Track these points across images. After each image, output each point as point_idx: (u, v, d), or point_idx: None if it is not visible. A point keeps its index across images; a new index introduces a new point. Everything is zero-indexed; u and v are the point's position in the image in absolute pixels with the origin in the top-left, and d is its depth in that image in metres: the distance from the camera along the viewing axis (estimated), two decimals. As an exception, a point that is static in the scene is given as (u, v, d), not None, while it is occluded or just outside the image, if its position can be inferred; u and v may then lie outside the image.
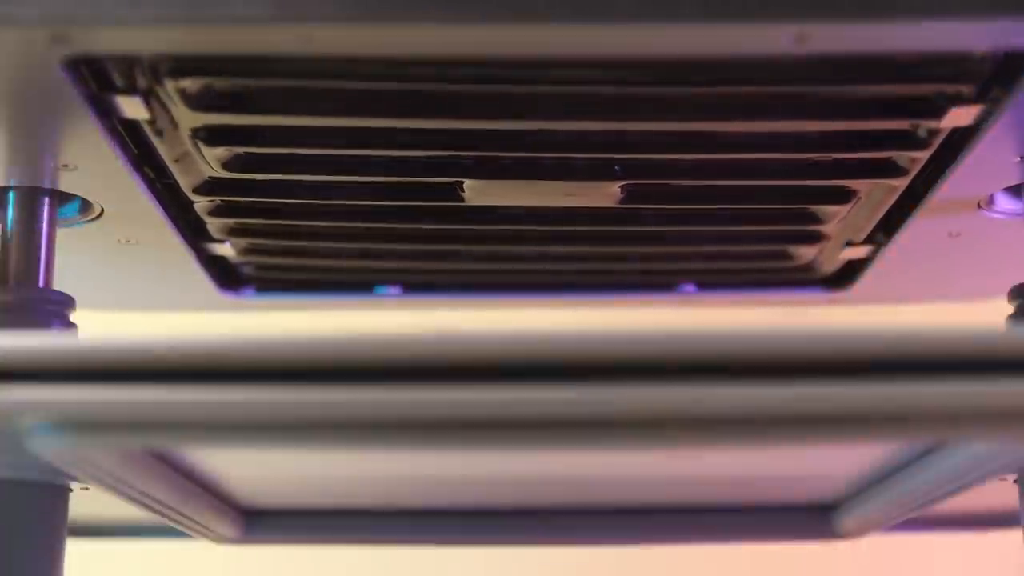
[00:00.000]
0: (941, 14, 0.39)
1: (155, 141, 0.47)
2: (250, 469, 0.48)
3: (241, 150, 0.49)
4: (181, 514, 0.48)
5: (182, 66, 0.43)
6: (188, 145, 0.48)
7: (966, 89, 0.44)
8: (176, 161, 0.49)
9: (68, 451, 0.36)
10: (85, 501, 0.50)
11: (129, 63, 0.43)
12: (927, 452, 0.43)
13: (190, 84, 0.44)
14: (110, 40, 0.40)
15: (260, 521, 0.57)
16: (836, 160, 0.50)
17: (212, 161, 0.49)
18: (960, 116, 0.45)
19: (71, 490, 0.48)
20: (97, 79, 0.43)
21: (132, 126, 0.46)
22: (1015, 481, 0.49)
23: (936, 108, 0.45)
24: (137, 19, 0.39)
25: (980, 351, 0.33)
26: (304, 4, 0.39)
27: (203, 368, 0.33)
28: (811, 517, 0.56)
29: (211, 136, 0.47)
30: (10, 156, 0.48)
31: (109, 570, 0.89)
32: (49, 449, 0.35)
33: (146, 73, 0.43)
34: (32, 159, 0.48)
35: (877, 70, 0.44)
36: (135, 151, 0.48)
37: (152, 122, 0.46)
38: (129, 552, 0.93)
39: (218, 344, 0.33)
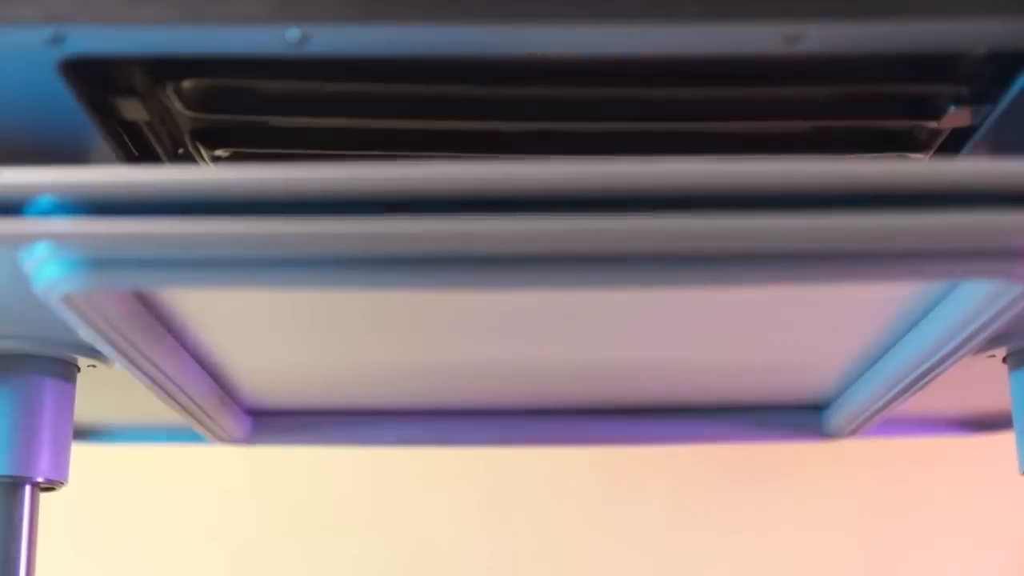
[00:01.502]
0: (941, 14, 0.39)
1: (155, 142, 0.47)
2: (259, 363, 0.48)
3: (241, 150, 0.49)
4: (191, 399, 0.47)
5: (182, 66, 0.43)
6: (188, 145, 0.48)
7: (966, 89, 0.44)
8: (176, 162, 0.49)
9: (77, 295, 0.35)
10: (94, 393, 0.49)
11: (128, 64, 0.43)
12: (908, 330, 0.43)
13: (190, 84, 0.44)
14: (109, 41, 0.40)
15: (266, 422, 0.56)
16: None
17: (212, 161, 0.49)
18: (960, 116, 0.45)
19: (79, 369, 0.48)
20: (96, 80, 0.43)
21: (132, 127, 0.46)
22: (1004, 360, 0.49)
23: (936, 108, 0.45)
24: (137, 19, 0.39)
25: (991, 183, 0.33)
26: (303, 5, 0.39)
27: (212, 200, 0.33)
28: (800, 416, 0.56)
29: (211, 136, 0.47)
30: (9, 157, 0.48)
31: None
32: (58, 293, 0.34)
33: (145, 74, 0.43)
34: (31, 160, 0.48)
35: (876, 70, 0.44)
36: (135, 152, 0.48)
37: (151, 123, 0.46)
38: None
39: (231, 179, 0.33)
